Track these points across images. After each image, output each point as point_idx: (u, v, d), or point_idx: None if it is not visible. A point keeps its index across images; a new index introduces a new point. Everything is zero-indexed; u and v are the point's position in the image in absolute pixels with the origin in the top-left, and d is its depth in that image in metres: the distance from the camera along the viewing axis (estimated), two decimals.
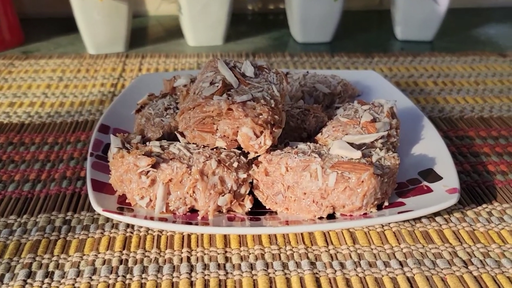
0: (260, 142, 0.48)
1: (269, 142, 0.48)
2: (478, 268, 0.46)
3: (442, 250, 0.48)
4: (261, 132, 0.48)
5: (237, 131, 0.48)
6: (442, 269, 0.46)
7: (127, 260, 0.46)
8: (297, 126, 0.58)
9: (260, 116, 0.47)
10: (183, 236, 0.49)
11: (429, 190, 0.51)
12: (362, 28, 1.18)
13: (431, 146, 0.59)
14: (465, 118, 0.73)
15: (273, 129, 0.48)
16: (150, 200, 0.48)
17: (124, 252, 0.47)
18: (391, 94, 0.70)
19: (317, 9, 1.01)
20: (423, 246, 0.49)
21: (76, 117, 0.73)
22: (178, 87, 0.65)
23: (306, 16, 1.02)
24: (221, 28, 1.04)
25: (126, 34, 1.00)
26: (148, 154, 0.49)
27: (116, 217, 0.47)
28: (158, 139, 0.55)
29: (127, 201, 0.50)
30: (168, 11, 1.24)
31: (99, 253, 0.47)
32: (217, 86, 0.50)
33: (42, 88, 0.83)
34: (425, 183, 0.53)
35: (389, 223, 0.51)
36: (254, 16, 1.26)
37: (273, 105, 0.49)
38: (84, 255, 0.47)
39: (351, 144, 0.52)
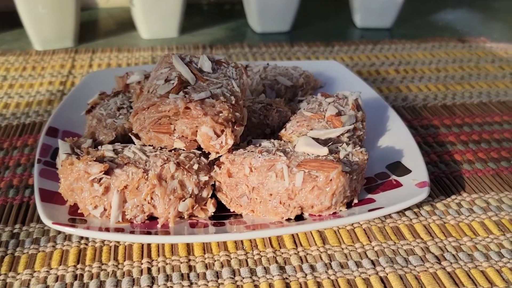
0: (221, 142, 0.45)
1: (230, 141, 0.45)
2: (451, 263, 0.45)
3: (414, 246, 0.47)
4: (222, 131, 0.45)
5: (196, 131, 0.45)
6: (415, 267, 0.44)
7: (82, 275, 0.43)
8: (259, 122, 0.55)
9: (220, 114, 0.44)
10: (143, 245, 0.46)
11: (398, 185, 0.49)
12: (321, 16, 1.15)
13: (398, 137, 0.57)
14: (428, 106, 0.72)
15: (235, 127, 0.46)
16: (105, 210, 0.45)
17: (79, 266, 0.44)
18: (354, 84, 0.68)
19: None
20: (395, 242, 0.47)
21: (22, 119, 0.68)
22: (131, 85, 0.61)
23: (264, 5, 1.00)
24: (176, 19, 1.00)
25: (75, 28, 0.95)
26: (100, 159, 0.45)
27: (67, 230, 0.43)
28: (111, 142, 0.51)
29: (79, 211, 0.46)
30: (120, 3, 1.18)
31: (51, 268, 0.43)
32: (173, 83, 0.46)
33: None
34: (393, 177, 0.51)
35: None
36: (210, 6, 1.22)
37: (233, 102, 0.46)
38: (34, 271, 0.43)
39: (317, 140, 0.50)
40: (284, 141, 0.50)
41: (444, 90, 0.77)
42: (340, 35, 1.03)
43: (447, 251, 0.46)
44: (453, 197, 0.53)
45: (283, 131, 0.54)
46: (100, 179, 0.44)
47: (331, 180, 0.43)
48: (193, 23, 1.10)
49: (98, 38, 1.02)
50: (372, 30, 1.05)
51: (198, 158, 0.47)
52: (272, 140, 0.49)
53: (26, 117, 0.69)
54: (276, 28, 1.03)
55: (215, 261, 0.44)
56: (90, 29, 1.07)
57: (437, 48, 0.93)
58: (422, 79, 0.81)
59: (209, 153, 0.47)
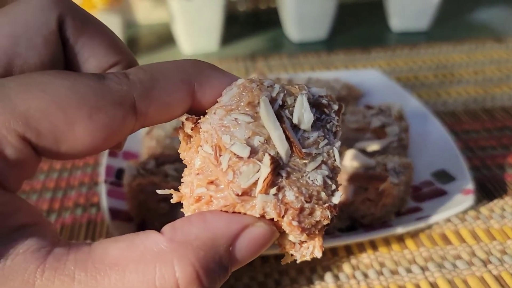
0: (306, 252, 0.30)
1: (318, 254, 0.30)
2: (496, 266, 0.47)
3: (460, 251, 0.49)
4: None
5: None
6: (462, 270, 0.47)
7: None
8: None
9: (317, 224, 0.28)
10: None
11: (444, 193, 0.52)
12: (356, 22, 1.17)
13: (440, 144, 0.59)
14: (468, 110, 0.74)
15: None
16: None
17: None
18: (394, 93, 0.70)
19: (311, 6, 1.00)
20: (442, 248, 0.49)
21: None
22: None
23: (301, 14, 1.02)
24: (216, 32, 1.04)
25: None
26: (165, 179, 0.49)
27: None
28: (172, 162, 0.55)
29: (146, 228, 0.50)
30: (160, 19, 1.23)
31: None
32: (260, 167, 0.26)
33: None
34: (438, 185, 0.53)
35: None
36: (246, 16, 1.26)
37: (336, 202, 0.28)
38: None
39: (363, 152, 0.53)
40: None
41: (483, 93, 0.78)
42: (376, 40, 1.05)
43: (492, 254, 0.48)
44: (495, 201, 0.55)
45: None
46: (166, 198, 0.48)
47: (380, 192, 0.46)
48: (231, 34, 1.13)
49: (141, 55, 1.06)
50: (408, 34, 1.06)
51: None
52: None
53: None
54: (313, 36, 1.06)
55: (272, 270, 0.48)
56: (131, 47, 1.11)
57: (474, 50, 0.94)
58: (460, 82, 0.82)
59: None
